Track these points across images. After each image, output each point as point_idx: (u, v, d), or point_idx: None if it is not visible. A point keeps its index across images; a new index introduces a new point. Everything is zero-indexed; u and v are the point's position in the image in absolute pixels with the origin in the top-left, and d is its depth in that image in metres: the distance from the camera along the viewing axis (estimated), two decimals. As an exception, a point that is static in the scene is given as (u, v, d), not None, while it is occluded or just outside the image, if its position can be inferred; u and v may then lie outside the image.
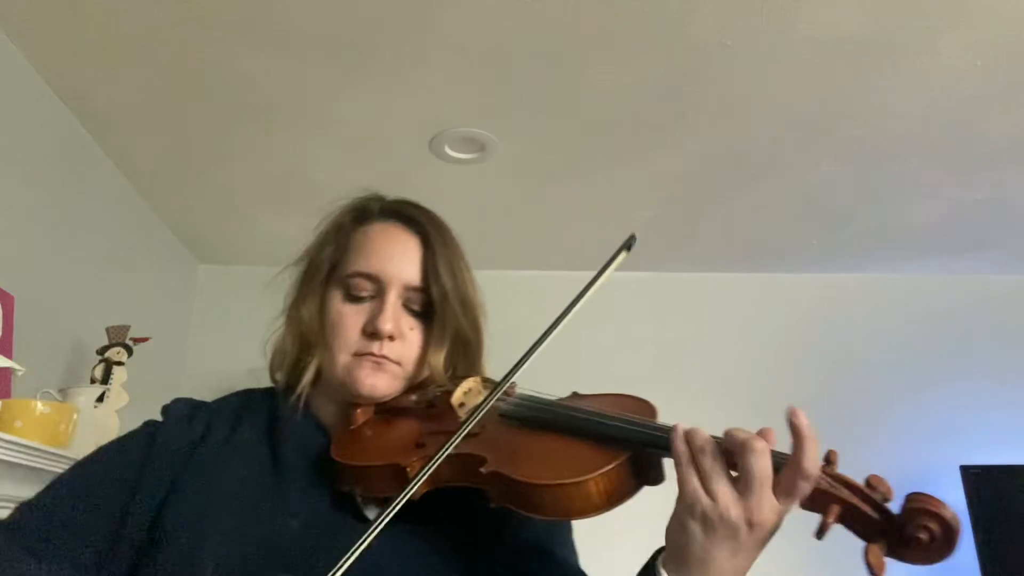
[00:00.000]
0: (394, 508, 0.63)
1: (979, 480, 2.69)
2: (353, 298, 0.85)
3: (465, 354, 0.89)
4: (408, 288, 0.85)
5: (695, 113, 2.20)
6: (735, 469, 0.63)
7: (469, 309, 0.88)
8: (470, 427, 0.70)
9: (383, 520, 0.61)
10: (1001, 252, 3.09)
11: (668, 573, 0.65)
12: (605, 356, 3.17)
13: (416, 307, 0.86)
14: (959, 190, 2.62)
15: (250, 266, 3.18)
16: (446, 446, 0.68)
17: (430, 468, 0.67)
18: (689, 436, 0.66)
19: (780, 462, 0.63)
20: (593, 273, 0.82)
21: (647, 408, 0.78)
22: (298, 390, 0.85)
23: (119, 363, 2.10)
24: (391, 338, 0.83)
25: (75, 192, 2.23)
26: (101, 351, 2.12)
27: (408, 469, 0.73)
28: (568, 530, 0.87)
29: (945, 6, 1.78)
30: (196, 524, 0.75)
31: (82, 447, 1.78)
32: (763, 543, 0.64)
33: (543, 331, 0.78)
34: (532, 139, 2.34)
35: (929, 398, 3.08)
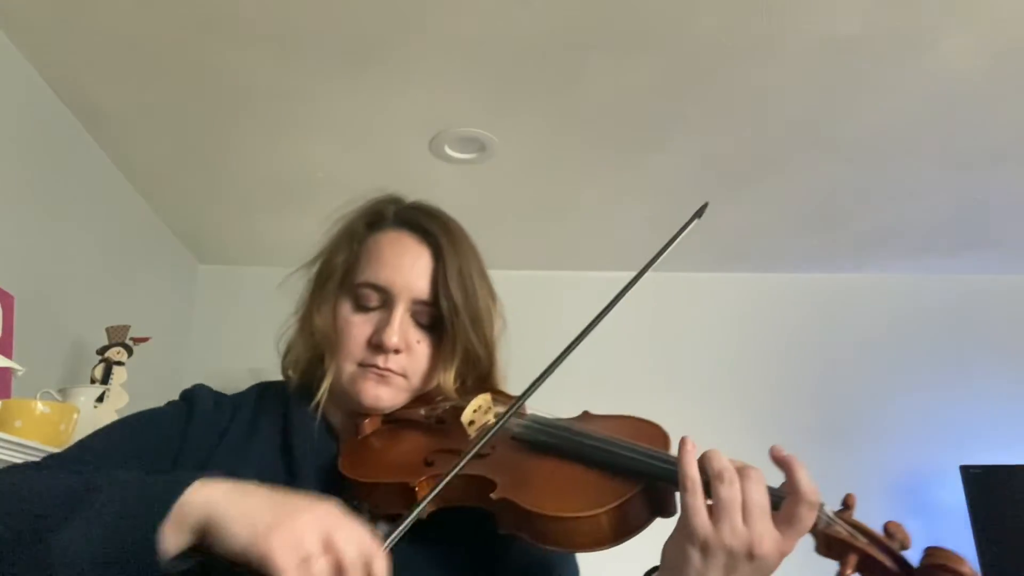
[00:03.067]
0: (401, 531, 0.61)
1: (979, 480, 2.69)
2: (362, 308, 0.84)
3: (476, 369, 0.87)
4: (416, 301, 0.83)
5: (695, 113, 2.20)
6: (745, 505, 0.63)
7: (480, 324, 0.85)
8: (479, 448, 0.68)
9: (390, 543, 0.60)
10: (1001, 252, 3.09)
11: None
12: (604, 356, 3.17)
13: (425, 320, 0.84)
14: (959, 190, 2.62)
15: (250, 266, 3.18)
16: (452, 469, 0.66)
17: (437, 490, 0.65)
18: (702, 462, 0.64)
19: (779, 497, 0.63)
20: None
21: (660, 436, 0.75)
22: (315, 399, 0.84)
23: (119, 363, 2.10)
24: (397, 351, 0.82)
25: (75, 192, 2.23)
26: (101, 351, 2.12)
27: (416, 489, 0.72)
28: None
29: (945, 6, 1.78)
30: None
31: (82, 447, 1.78)
32: (763, 573, 0.63)
33: (567, 345, 0.77)
34: (532, 139, 2.34)
35: (929, 398, 3.08)
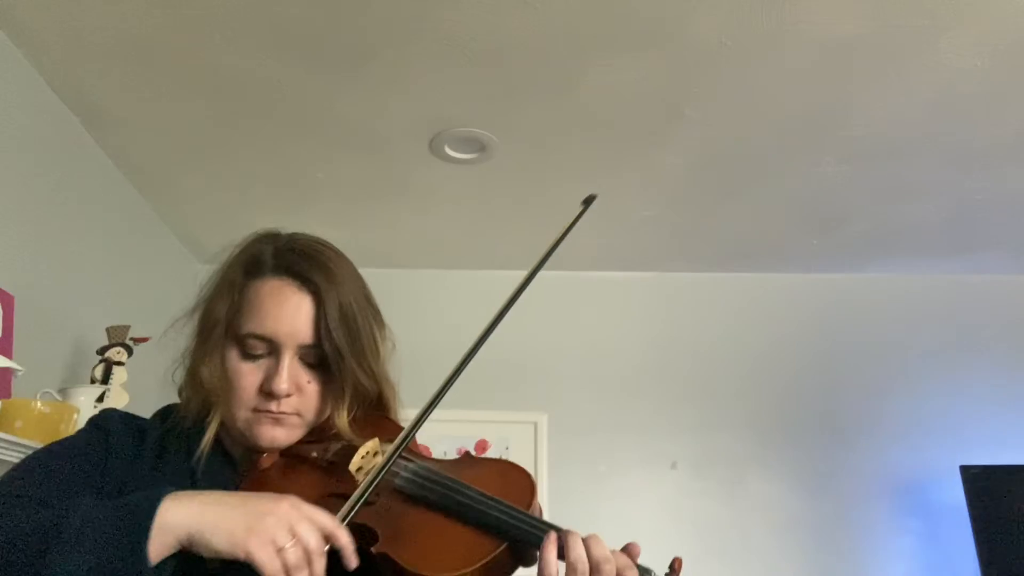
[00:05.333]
0: (355, 507, 0.70)
1: (979, 480, 2.69)
2: (249, 356, 0.87)
3: (366, 399, 0.91)
4: (302, 346, 0.86)
5: (695, 113, 2.20)
6: None
7: (365, 360, 0.88)
8: (366, 497, 0.75)
9: (348, 518, 0.69)
10: (1002, 251, 3.09)
11: None
12: (606, 356, 3.17)
13: (312, 360, 0.87)
14: (959, 189, 2.62)
15: (250, 266, 3.17)
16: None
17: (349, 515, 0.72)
18: (560, 545, 0.73)
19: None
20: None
21: (528, 485, 0.82)
22: (202, 446, 0.87)
23: (119, 363, 2.10)
24: (288, 395, 0.85)
25: (75, 192, 2.23)
26: (101, 351, 2.12)
27: None
28: None
29: (945, 6, 1.78)
30: None
31: (82, 447, 1.78)
32: None
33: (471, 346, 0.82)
34: (532, 139, 2.34)
35: (929, 398, 3.08)
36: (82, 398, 1.91)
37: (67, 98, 2.12)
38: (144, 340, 2.22)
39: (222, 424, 0.89)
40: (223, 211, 2.79)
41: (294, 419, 0.87)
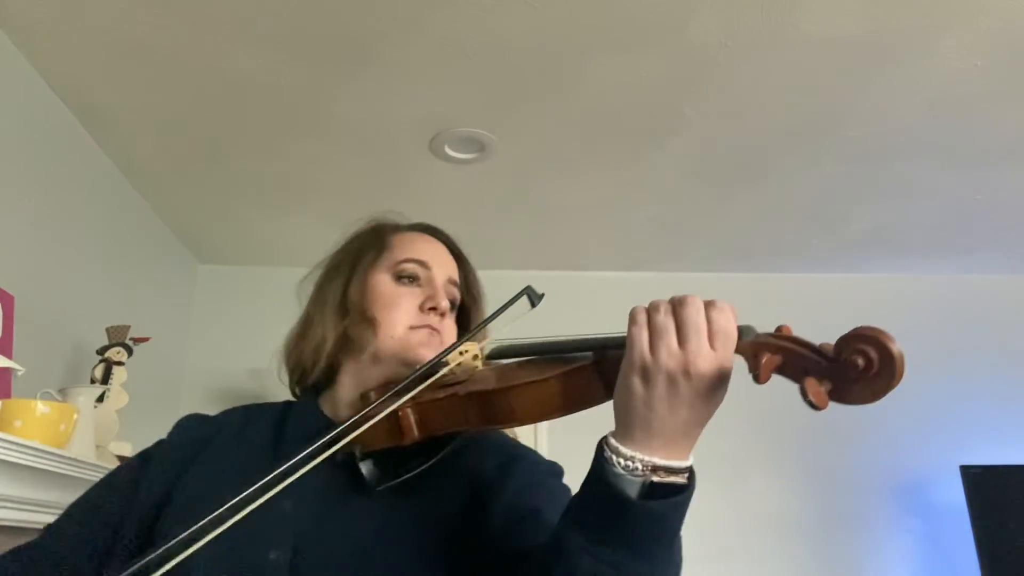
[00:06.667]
0: (353, 424, 0.69)
1: (979, 480, 2.69)
2: (403, 280, 0.93)
3: None
4: (450, 280, 0.95)
5: (695, 113, 2.20)
6: (679, 327, 0.65)
7: (484, 307, 0.99)
8: (448, 355, 0.78)
9: (342, 436, 0.68)
10: (1001, 252, 3.09)
11: (615, 440, 0.67)
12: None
13: (450, 297, 0.95)
14: (959, 190, 2.62)
15: (250, 266, 3.18)
16: (419, 368, 0.76)
17: (402, 385, 0.74)
18: (649, 304, 0.68)
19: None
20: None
21: None
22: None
23: (119, 363, 2.10)
24: (443, 315, 0.92)
25: (75, 192, 2.23)
26: (101, 351, 2.12)
27: (400, 414, 0.76)
28: (561, 494, 0.87)
29: (945, 6, 1.78)
30: (193, 510, 0.77)
31: (82, 447, 1.78)
32: (704, 397, 0.65)
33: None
34: (532, 139, 2.34)
35: (929, 398, 3.08)
36: (82, 398, 1.91)
37: (67, 98, 2.12)
38: (144, 340, 2.22)
39: (326, 389, 0.93)
40: (223, 211, 2.79)
41: (439, 343, 0.90)
